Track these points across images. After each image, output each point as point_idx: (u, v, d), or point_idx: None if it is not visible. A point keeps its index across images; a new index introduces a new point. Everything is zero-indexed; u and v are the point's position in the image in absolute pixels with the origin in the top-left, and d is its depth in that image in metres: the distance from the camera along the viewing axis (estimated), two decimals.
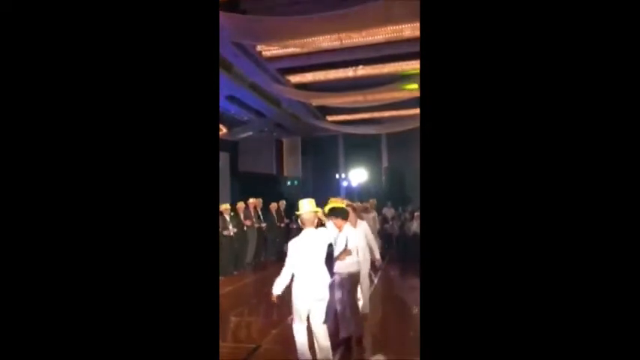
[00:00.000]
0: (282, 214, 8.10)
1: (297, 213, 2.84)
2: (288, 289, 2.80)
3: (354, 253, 3.32)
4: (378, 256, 3.94)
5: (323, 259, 2.81)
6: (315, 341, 2.80)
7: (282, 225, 7.96)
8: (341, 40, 6.35)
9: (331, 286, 3.11)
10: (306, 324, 2.77)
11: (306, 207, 2.80)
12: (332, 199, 3.67)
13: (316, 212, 2.87)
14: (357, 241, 3.35)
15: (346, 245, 3.01)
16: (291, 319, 3.82)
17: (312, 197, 3.06)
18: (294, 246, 2.75)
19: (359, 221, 3.83)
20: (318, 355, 2.83)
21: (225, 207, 6.28)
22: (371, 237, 3.90)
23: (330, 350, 2.82)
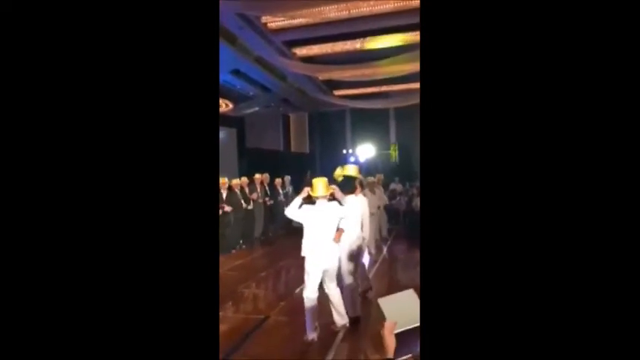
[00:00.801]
0: (287, 188, 8.14)
1: (313, 195, 2.89)
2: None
3: (357, 228, 3.34)
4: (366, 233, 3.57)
5: (334, 232, 2.91)
6: (331, 307, 2.95)
7: (287, 200, 8.01)
8: (349, 10, 6.14)
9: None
10: (316, 293, 2.87)
11: (321, 191, 2.88)
12: (348, 167, 3.62)
13: (330, 193, 2.95)
14: (355, 216, 3.34)
15: (338, 225, 3.01)
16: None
17: (320, 173, 3.11)
18: (307, 213, 2.88)
19: (360, 195, 3.78)
20: (337, 319, 2.96)
21: (235, 182, 6.33)
22: (367, 214, 3.62)
23: (344, 312, 2.96)
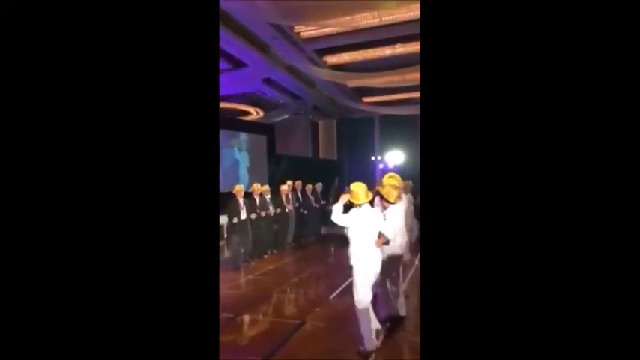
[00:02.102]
0: (319, 195, 8.19)
1: (355, 202, 2.84)
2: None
3: (396, 235, 3.30)
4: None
5: (376, 237, 2.86)
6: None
7: (318, 206, 8.06)
8: (380, 18, 6.17)
9: None
10: (369, 296, 2.82)
11: (363, 198, 2.86)
12: (390, 175, 3.58)
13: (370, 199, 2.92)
14: (398, 223, 3.31)
15: (380, 231, 2.99)
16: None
17: (348, 180, 3.10)
18: (354, 218, 2.84)
19: (400, 203, 3.77)
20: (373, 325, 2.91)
21: (265, 188, 6.44)
22: (404, 220, 3.73)
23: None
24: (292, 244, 7.27)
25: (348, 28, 6.50)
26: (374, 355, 2.73)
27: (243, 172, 10.18)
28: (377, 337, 2.80)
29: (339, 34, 6.72)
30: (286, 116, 11.08)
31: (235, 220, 5.63)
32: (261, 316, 3.80)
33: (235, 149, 10.10)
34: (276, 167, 9.58)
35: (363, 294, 2.79)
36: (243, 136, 10.24)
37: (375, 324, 2.84)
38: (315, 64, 7.83)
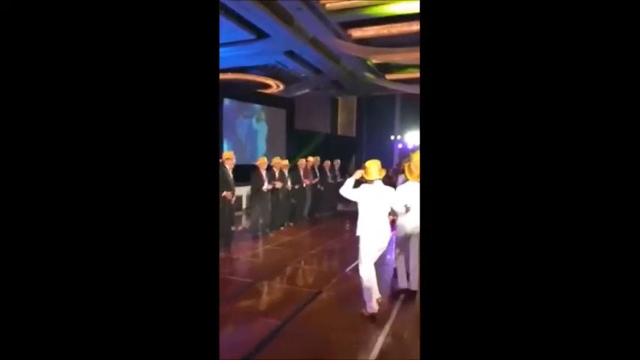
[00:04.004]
0: (336, 172, 8.24)
1: (367, 178, 2.96)
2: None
3: (413, 214, 3.35)
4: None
5: (386, 214, 2.99)
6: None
7: (335, 182, 8.11)
8: None
9: (391, 243, 3.25)
10: (372, 268, 2.99)
11: (376, 174, 2.93)
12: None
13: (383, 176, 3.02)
14: (413, 199, 3.35)
15: (391, 208, 3.10)
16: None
17: (365, 157, 3.19)
18: (363, 193, 2.97)
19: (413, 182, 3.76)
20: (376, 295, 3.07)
21: (284, 163, 6.51)
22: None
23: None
24: (307, 218, 7.40)
25: (375, 1, 6.29)
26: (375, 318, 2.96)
27: (262, 143, 10.27)
28: (377, 304, 3.02)
29: (365, 6, 6.52)
30: (307, 90, 10.96)
31: (257, 191, 5.77)
32: (278, 284, 3.94)
33: (254, 119, 10.16)
34: (305, 143, 9.55)
35: (365, 264, 2.97)
36: (262, 108, 10.26)
37: (377, 293, 3.04)
38: (340, 37, 7.66)
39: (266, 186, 5.89)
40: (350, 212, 7.85)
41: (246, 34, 6.98)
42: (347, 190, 3.00)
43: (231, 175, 5.12)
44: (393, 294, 3.53)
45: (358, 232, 2.99)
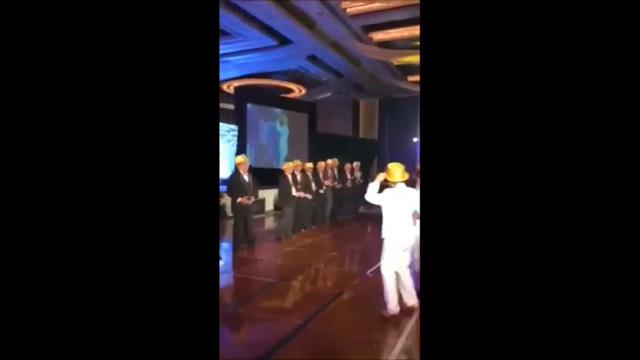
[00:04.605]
0: (356, 174, 8.26)
1: (390, 180, 3.00)
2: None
3: None
4: None
5: (410, 214, 3.01)
6: (401, 285, 3.10)
7: (356, 185, 8.13)
8: None
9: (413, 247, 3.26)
10: (394, 269, 3.01)
11: (399, 177, 3.01)
12: None
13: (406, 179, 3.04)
14: None
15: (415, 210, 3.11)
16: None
17: (388, 160, 3.20)
18: (387, 197, 3.00)
19: None
20: (405, 298, 3.07)
21: (308, 166, 6.62)
22: None
23: (414, 292, 3.05)
24: (329, 220, 7.45)
25: (396, 4, 6.31)
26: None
27: (284, 146, 10.44)
28: (399, 306, 3.05)
29: (386, 9, 6.55)
30: (328, 94, 11.06)
31: (287, 196, 5.90)
32: (300, 284, 4.02)
33: (277, 123, 10.35)
34: (327, 146, 9.60)
35: (387, 266, 3.01)
36: (285, 112, 10.44)
37: (396, 295, 3.06)
38: (361, 40, 7.70)
39: (295, 192, 6.01)
40: (372, 215, 7.86)
41: (269, 41, 7.15)
42: (371, 196, 3.04)
43: (246, 178, 5.17)
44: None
45: (383, 235, 3.04)
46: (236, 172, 5.21)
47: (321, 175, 7.10)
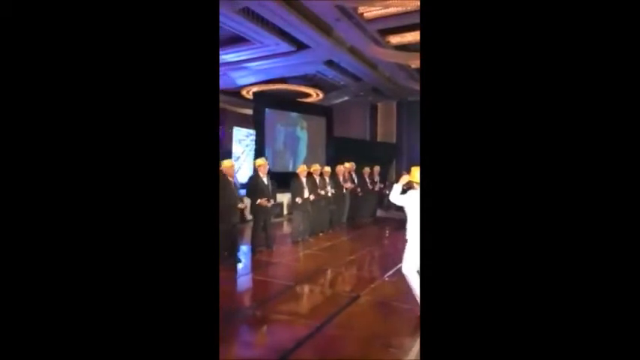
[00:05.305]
0: (375, 178, 8.25)
1: (414, 181, 3.06)
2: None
3: None
4: None
5: None
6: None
7: (375, 188, 8.12)
8: None
9: None
10: (415, 269, 3.09)
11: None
12: None
13: None
14: None
15: None
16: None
17: (407, 163, 3.25)
18: (410, 199, 3.09)
19: None
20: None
21: (326, 169, 6.67)
22: None
23: None
24: (346, 224, 7.46)
25: (414, 7, 6.30)
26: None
27: (303, 149, 10.54)
28: None
29: (403, 13, 6.55)
30: (346, 98, 11.09)
31: (299, 200, 5.94)
32: (318, 287, 4.05)
33: (298, 127, 10.47)
34: (344, 150, 9.66)
35: (408, 264, 3.07)
36: (302, 116, 10.54)
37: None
38: (378, 44, 7.72)
39: (307, 195, 6.04)
40: (390, 219, 7.83)
41: (287, 47, 7.26)
42: (395, 196, 3.14)
43: (265, 181, 5.25)
44: None
45: (407, 236, 3.11)
46: (255, 175, 5.31)
47: (340, 179, 7.14)
